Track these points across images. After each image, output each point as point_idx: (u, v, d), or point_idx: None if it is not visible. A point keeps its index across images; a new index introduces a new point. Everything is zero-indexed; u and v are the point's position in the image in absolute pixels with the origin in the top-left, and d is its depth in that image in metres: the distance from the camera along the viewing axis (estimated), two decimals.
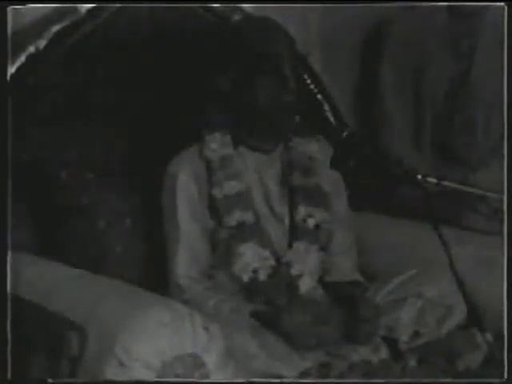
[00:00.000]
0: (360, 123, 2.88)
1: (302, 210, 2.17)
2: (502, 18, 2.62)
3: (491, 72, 2.68)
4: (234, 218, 2.09)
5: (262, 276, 2.09)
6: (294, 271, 2.12)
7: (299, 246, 2.14)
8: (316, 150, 2.22)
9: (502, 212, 2.49)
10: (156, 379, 1.70)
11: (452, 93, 2.77)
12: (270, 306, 2.05)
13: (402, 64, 2.80)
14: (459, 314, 2.09)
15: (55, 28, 2.20)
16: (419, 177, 1.86)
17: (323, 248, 2.18)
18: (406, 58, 2.80)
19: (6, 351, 1.84)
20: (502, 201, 2.16)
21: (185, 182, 2.11)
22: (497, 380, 1.85)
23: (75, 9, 2.20)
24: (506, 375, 1.84)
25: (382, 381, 1.94)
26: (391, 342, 2.07)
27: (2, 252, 1.86)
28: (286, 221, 2.19)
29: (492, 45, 2.69)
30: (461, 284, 1.86)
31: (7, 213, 1.87)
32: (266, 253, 2.11)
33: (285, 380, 1.91)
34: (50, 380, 1.78)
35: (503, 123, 2.66)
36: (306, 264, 2.13)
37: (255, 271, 2.09)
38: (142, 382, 1.69)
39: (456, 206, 2.60)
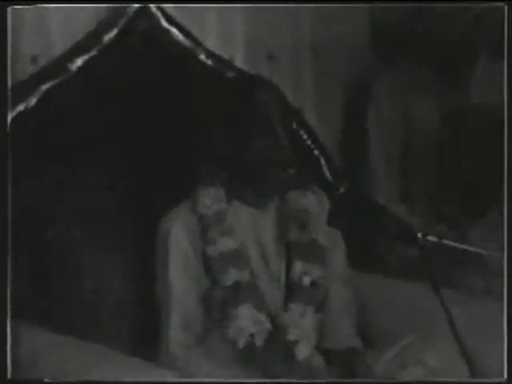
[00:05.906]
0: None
1: (297, 267, 2.11)
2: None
3: (478, 125, 2.65)
4: (230, 277, 2.03)
5: (259, 341, 2.03)
6: (290, 337, 2.06)
7: (295, 308, 2.08)
8: (312, 202, 2.18)
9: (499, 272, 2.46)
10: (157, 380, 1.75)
11: (439, 144, 2.73)
12: (265, 375, 1.99)
13: (387, 118, 2.78)
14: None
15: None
16: (419, 235, 1.81)
17: (320, 308, 2.13)
18: (391, 111, 2.77)
19: (5, 351, 1.83)
20: (498, 259, 2.12)
21: (178, 240, 2.05)
22: (497, 380, 1.86)
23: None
24: (506, 375, 1.85)
25: (376, 380, 1.95)
26: None
27: None
28: (282, 278, 2.13)
29: (479, 95, 2.67)
30: (463, 350, 1.82)
31: None
32: (262, 316, 2.04)
33: (285, 380, 1.92)
34: (46, 380, 1.79)
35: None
36: (302, 329, 2.07)
37: (251, 335, 2.02)
38: (142, 382, 1.74)
39: (455, 265, 2.55)
